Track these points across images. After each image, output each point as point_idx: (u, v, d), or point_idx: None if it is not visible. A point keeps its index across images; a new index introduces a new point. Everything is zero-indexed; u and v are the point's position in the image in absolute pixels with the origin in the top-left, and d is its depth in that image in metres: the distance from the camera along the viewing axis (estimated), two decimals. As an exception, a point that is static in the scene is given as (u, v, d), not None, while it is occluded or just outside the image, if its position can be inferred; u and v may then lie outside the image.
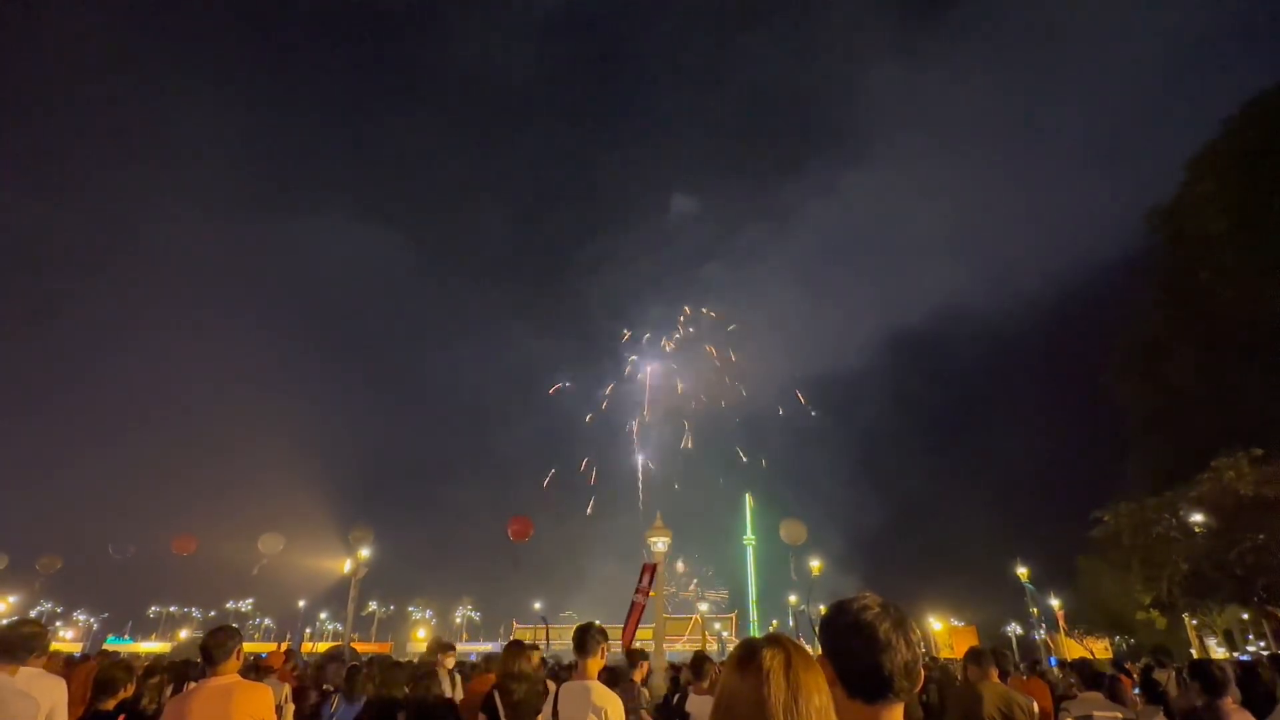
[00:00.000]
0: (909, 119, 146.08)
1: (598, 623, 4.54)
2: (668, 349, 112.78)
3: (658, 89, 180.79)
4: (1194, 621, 30.20)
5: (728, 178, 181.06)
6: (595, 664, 4.27)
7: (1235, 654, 30.11)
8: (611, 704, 3.97)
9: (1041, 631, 42.34)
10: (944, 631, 51.01)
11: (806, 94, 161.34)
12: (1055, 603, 40.88)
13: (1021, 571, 35.32)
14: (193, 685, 3.89)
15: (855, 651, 1.52)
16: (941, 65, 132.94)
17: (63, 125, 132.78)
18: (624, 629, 16.03)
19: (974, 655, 5.67)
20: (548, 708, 4.10)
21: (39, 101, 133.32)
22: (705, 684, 6.08)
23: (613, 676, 10.46)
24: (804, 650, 1.46)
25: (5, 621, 4.01)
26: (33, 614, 49.70)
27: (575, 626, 4.47)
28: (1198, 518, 22.07)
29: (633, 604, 16.02)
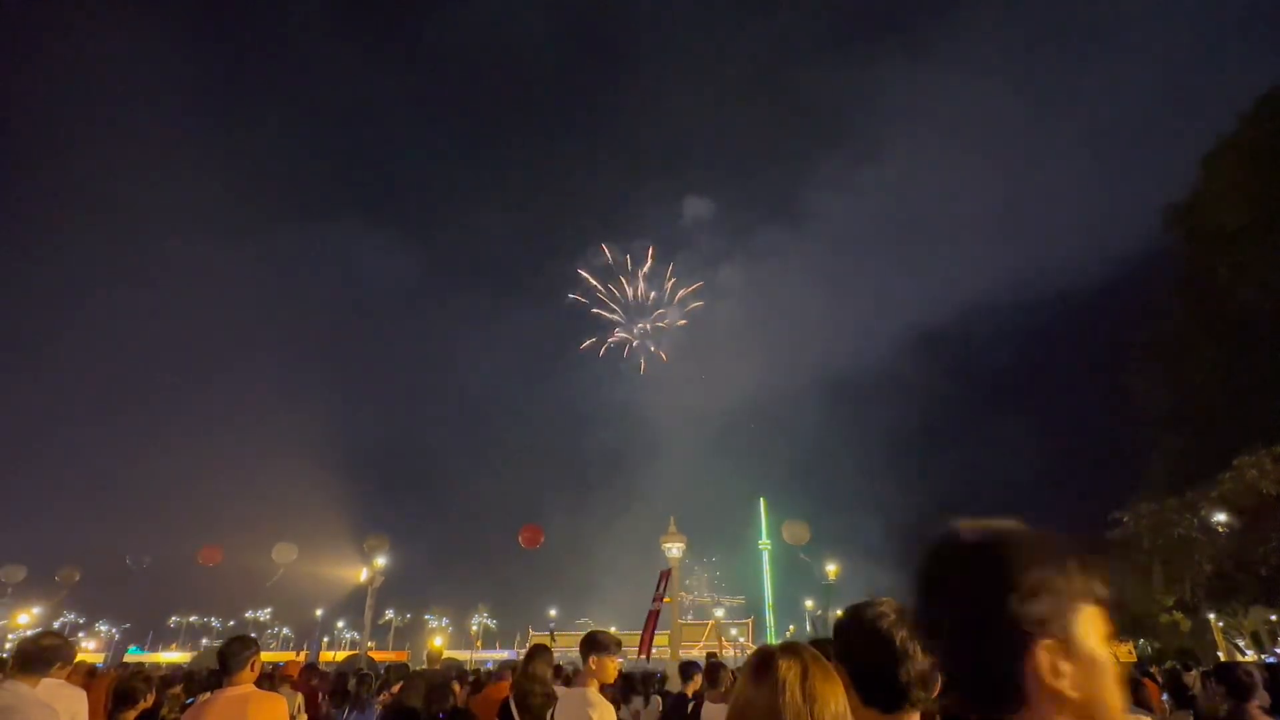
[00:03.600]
0: (925, 116, 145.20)
1: (614, 630, 4.54)
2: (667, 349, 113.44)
3: (666, 90, 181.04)
4: (1220, 623, 29.67)
5: (741, 178, 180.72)
6: (589, 673, 4.24)
7: (1263, 656, 29.53)
8: (602, 710, 3.94)
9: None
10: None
11: (819, 91, 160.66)
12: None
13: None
14: (205, 696, 3.92)
15: (871, 660, 1.50)
16: (956, 61, 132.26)
17: (67, 139, 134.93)
18: (642, 636, 16.04)
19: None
20: (549, 713, 4.11)
21: (43, 111, 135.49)
22: (721, 691, 6.02)
23: (629, 684, 10.44)
24: (822, 660, 1.46)
25: (28, 634, 4.06)
26: (56, 625, 50.38)
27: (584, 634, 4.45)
28: (1220, 517, 21.70)
29: (650, 612, 16.03)
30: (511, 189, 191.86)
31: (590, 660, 4.17)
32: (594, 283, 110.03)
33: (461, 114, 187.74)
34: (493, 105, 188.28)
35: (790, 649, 1.46)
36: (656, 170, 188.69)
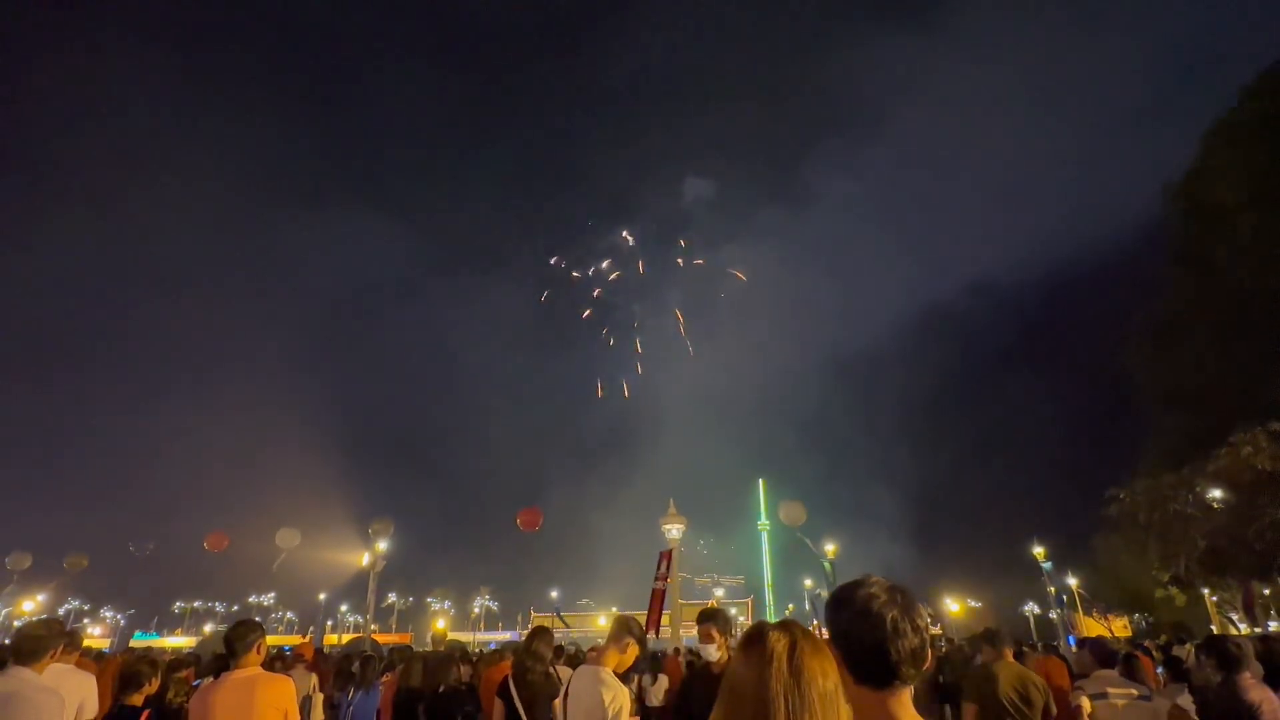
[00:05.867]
0: (925, 94, 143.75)
1: (614, 610, 4.53)
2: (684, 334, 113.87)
3: (665, 71, 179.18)
4: (1214, 598, 30.00)
5: (742, 158, 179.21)
6: (614, 654, 4.10)
7: (1255, 629, 29.90)
8: (618, 692, 3.84)
9: (1060, 610, 42.26)
10: (961, 613, 50.96)
11: (819, 70, 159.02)
12: (1073, 581, 40.72)
13: (1038, 551, 35.16)
14: (209, 680, 3.97)
15: (862, 639, 1.50)
16: (959, 38, 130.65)
17: (66, 128, 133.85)
18: (648, 616, 16.25)
19: (988, 635, 5.66)
20: (563, 689, 4.08)
21: (41, 104, 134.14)
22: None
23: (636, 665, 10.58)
24: (812, 635, 1.48)
25: (30, 620, 4.09)
26: (60, 612, 50.84)
27: (608, 614, 4.35)
28: (1215, 494, 21.87)
29: (654, 591, 16.29)
30: (506, 171, 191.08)
31: (628, 641, 4.06)
32: (575, 270, 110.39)
33: (454, 95, 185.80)
34: (486, 86, 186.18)
35: (781, 625, 1.49)
36: (656, 151, 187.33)
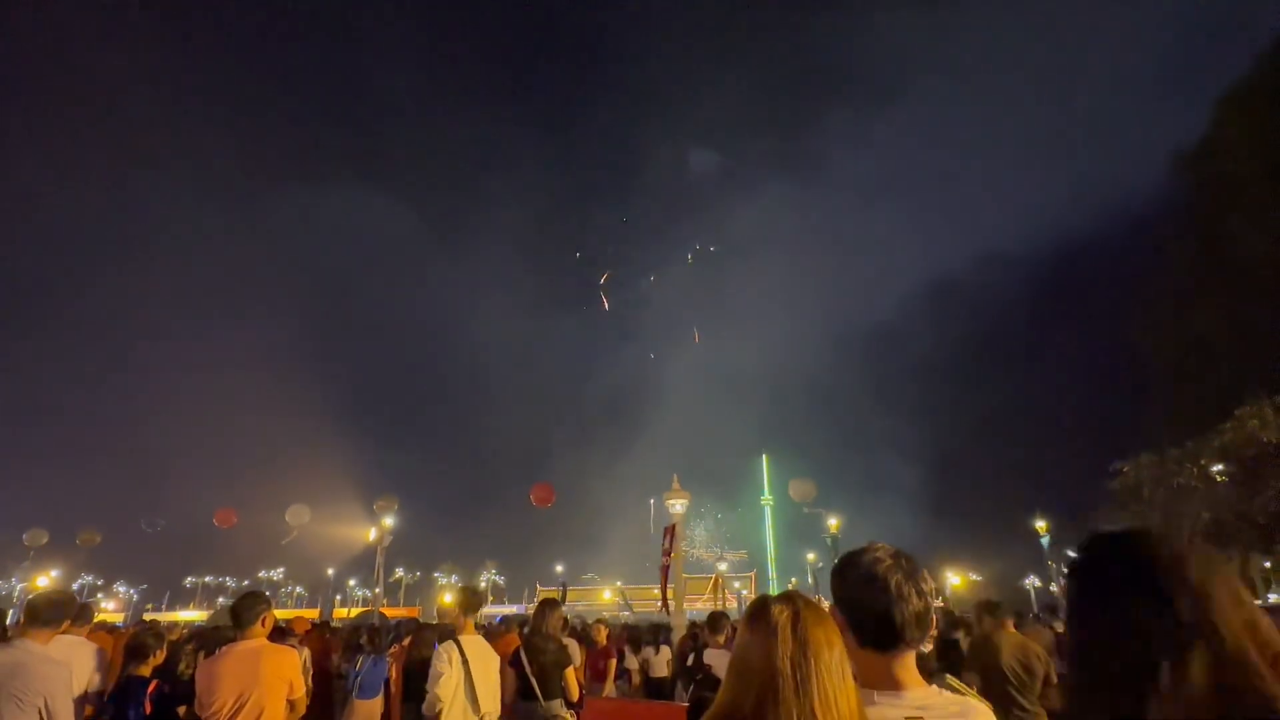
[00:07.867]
0: (934, 62, 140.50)
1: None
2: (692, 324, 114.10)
3: (664, 39, 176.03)
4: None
5: (747, 130, 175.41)
6: (471, 623, 4.93)
7: (1257, 602, 30.07)
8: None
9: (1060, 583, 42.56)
10: (963, 586, 51.41)
11: (825, 38, 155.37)
12: (1074, 555, 40.86)
13: (1040, 525, 35.30)
14: (220, 650, 4.02)
15: (867, 603, 1.53)
16: (965, 6, 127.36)
17: (56, 108, 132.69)
18: (661, 592, 16.48)
19: (989, 606, 5.69)
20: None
21: (28, 81, 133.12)
22: (722, 638, 6.25)
23: (635, 635, 10.71)
24: (815, 606, 1.51)
25: (42, 594, 4.14)
26: (75, 586, 51.72)
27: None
28: (1219, 467, 21.84)
29: (663, 567, 16.54)
30: (509, 142, 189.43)
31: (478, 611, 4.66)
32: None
33: (451, 68, 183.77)
34: (489, 54, 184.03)
35: (785, 596, 1.52)
36: (660, 121, 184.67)
